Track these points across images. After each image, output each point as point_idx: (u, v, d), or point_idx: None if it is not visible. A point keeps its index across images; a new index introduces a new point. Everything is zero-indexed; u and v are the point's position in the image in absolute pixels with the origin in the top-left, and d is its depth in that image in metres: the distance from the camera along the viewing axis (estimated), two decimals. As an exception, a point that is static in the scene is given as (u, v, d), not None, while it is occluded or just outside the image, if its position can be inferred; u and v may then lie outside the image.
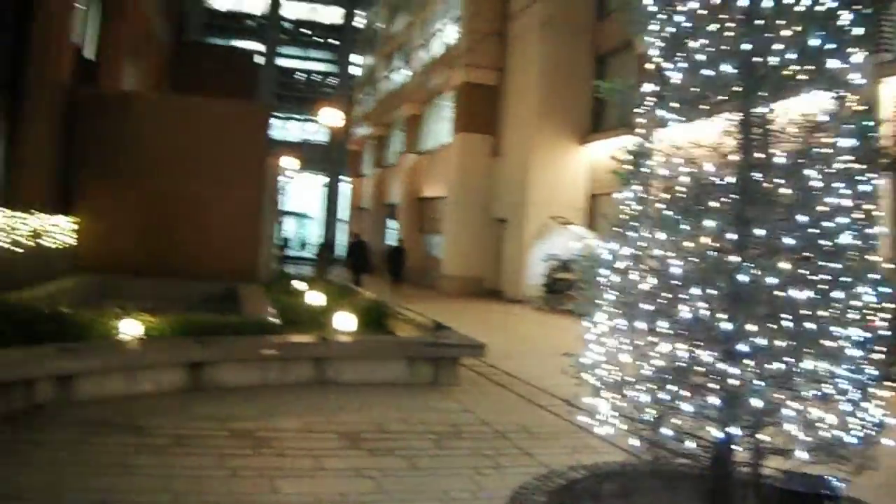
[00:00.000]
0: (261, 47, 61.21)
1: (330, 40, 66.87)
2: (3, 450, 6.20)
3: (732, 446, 4.72)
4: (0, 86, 14.81)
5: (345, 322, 10.81)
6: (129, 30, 22.94)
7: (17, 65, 15.29)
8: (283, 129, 60.61)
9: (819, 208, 4.59)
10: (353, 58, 61.97)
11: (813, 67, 4.72)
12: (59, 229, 15.66)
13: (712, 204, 4.77)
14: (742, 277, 4.57)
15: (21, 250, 13.20)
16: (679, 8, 5.01)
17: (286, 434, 7.26)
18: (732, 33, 4.83)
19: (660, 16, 5.10)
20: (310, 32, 67.19)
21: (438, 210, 32.08)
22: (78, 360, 7.88)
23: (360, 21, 60.05)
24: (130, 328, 9.15)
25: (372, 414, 8.28)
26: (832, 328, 4.54)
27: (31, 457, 6.09)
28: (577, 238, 21.40)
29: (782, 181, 4.68)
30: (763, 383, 4.48)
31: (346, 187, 56.60)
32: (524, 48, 27.47)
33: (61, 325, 8.82)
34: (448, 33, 32.88)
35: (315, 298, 13.42)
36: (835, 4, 4.73)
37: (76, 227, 16.66)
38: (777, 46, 4.71)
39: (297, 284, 16.40)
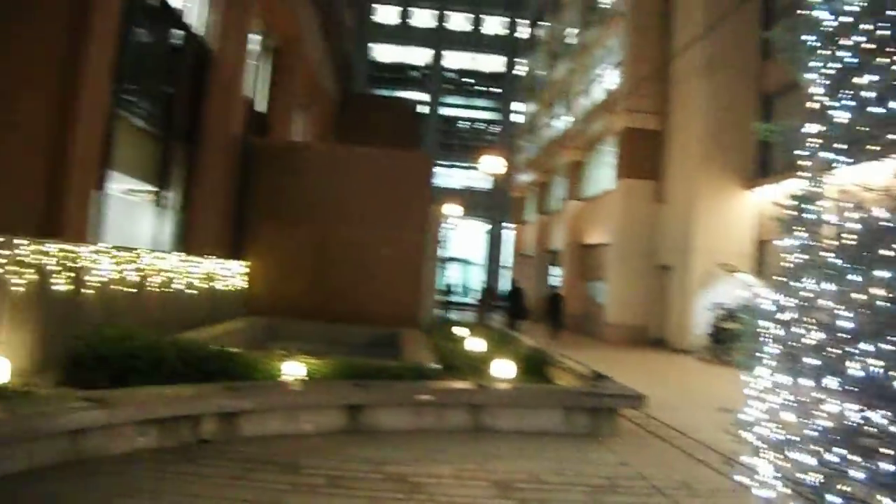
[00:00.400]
0: (424, 97, 62.82)
1: (492, 89, 67.75)
2: (174, 480, 6.45)
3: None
4: (179, 137, 15.80)
5: (503, 369, 10.74)
6: (297, 83, 24.02)
7: (194, 118, 16.29)
8: (447, 176, 61.58)
9: None
10: (514, 105, 62.67)
11: None
12: (231, 273, 16.42)
13: (884, 252, 4.44)
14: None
15: (195, 292, 13.91)
16: (843, 42, 4.74)
17: (440, 480, 7.23)
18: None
19: (822, 52, 4.84)
20: (472, 81, 68.25)
21: (601, 257, 31.69)
22: (243, 399, 8.15)
23: (520, 69, 60.59)
24: (294, 369, 9.41)
25: (527, 463, 8.13)
26: None
27: (198, 489, 6.31)
28: (744, 286, 20.57)
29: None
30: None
31: (509, 234, 56.93)
32: (687, 91, 26.95)
33: (229, 364, 9.17)
34: (609, 78, 32.71)
35: (475, 345, 13.44)
36: None
37: (247, 270, 17.44)
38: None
39: (458, 330, 16.48)
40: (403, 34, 66.82)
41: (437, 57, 66.45)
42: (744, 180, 24.94)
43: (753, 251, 24.50)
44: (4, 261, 7.84)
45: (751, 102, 25.18)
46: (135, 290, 11.09)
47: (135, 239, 13.83)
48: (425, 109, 59.30)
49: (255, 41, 19.93)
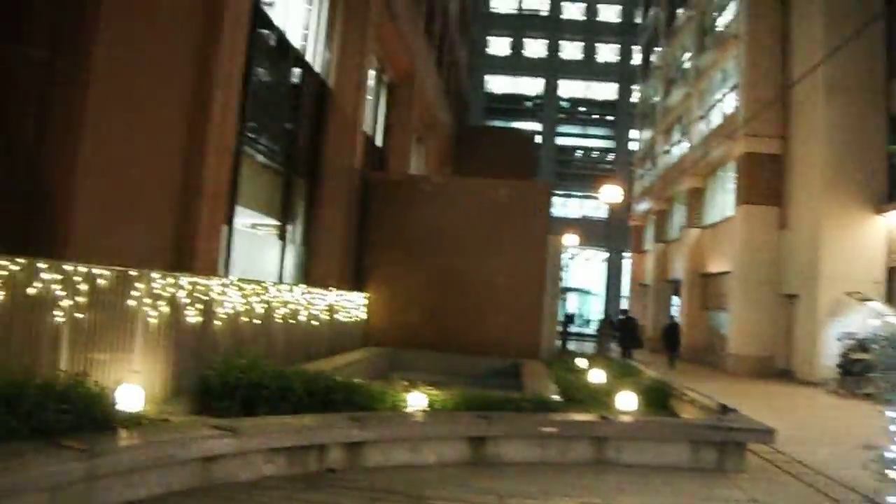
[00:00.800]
0: (539, 127, 62.83)
1: (606, 116, 67.29)
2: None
3: None
4: (300, 172, 16.24)
5: (626, 401, 10.53)
6: (413, 117, 24.39)
7: (314, 153, 16.72)
8: (563, 206, 61.31)
9: None
10: (630, 133, 62.01)
11: None
12: (352, 304, 16.68)
13: None
14: None
15: (318, 324, 14.17)
16: None
17: (565, 513, 7.11)
18: None
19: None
20: (586, 110, 67.98)
21: (723, 286, 30.84)
22: (367, 429, 8.21)
23: (635, 96, 59.98)
24: (416, 401, 9.45)
25: (652, 499, 7.91)
26: None
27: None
28: (876, 315, 19.65)
29: None
30: None
31: (627, 263, 56.19)
32: (809, 114, 26.07)
33: (353, 395, 9.27)
34: (727, 103, 32.00)
35: (596, 376, 13.23)
36: None
37: (367, 302, 17.68)
38: None
39: (579, 361, 16.27)
40: (517, 65, 67.21)
41: (551, 86, 66.47)
42: (873, 204, 23.91)
43: (885, 278, 23.40)
44: (140, 294, 8.15)
45: (879, 123, 24.21)
46: (261, 322, 11.36)
47: (260, 272, 14.23)
48: (540, 139, 59.26)
49: (371, 77, 20.34)
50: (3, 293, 6.40)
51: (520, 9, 68.49)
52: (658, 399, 11.52)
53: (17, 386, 5.88)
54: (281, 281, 14.86)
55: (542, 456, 9.15)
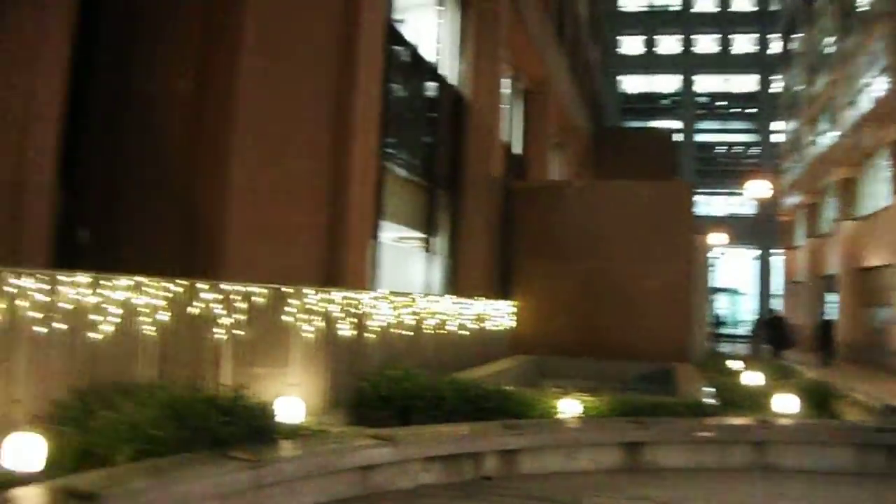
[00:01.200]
0: (677, 125, 61.35)
1: (747, 109, 65.01)
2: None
3: None
4: (441, 184, 16.42)
5: (785, 403, 10.11)
6: (549, 123, 24.34)
7: (454, 165, 16.88)
8: (707, 204, 59.57)
9: None
10: (773, 125, 59.71)
11: None
12: (499, 313, 16.72)
13: None
14: None
15: (467, 333, 14.27)
16: None
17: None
18: None
19: None
20: (725, 104, 65.91)
21: (884, 280, 29.16)
22: (521, 437, 8.17)
23: (776, 86, 57.78)
24: (569, 407, 9.36)
25: (817, 504, 7.55)
26: None
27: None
28: None
29: None
30: None
31: (778, 260, 54.10)
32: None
33: (505, 402, 9.27)
34: (876, 87, 30.34)
35: (752, 378, 12.78)
36: None
37: (514, 310, 17.68)
38: None
39: (732, 363, 15.77)
40: (651, 63, 65.90)
41: (687, 82, 64.86)
42: None
43: None
44: (294, 309, 8.41)
45: None
46: (411, 333, 11.53)
47: (407, 284, 14.47)
48: (679, 137, 57.85)
49: (506, 85, 20.38)
50: (168, 313, 6.74)
51: (650, 5, 67.18)
52: (819, 401, 11.02)
53: (185, 399, 6.15)
54: (428, 292, 15.04)
55: (699, 461, 8.88)
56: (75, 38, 7.05)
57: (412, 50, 15.23)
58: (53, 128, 6.80)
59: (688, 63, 64.94)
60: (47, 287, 5.73)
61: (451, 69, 17.44)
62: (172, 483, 5.11)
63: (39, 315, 5.66)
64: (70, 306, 5.91)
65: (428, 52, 16.20)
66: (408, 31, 15.00)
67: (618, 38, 64.51)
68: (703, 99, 65.67)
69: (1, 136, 6.49)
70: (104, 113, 8.81)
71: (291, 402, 7.45)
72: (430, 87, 16.53)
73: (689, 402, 10.35)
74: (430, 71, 16.34)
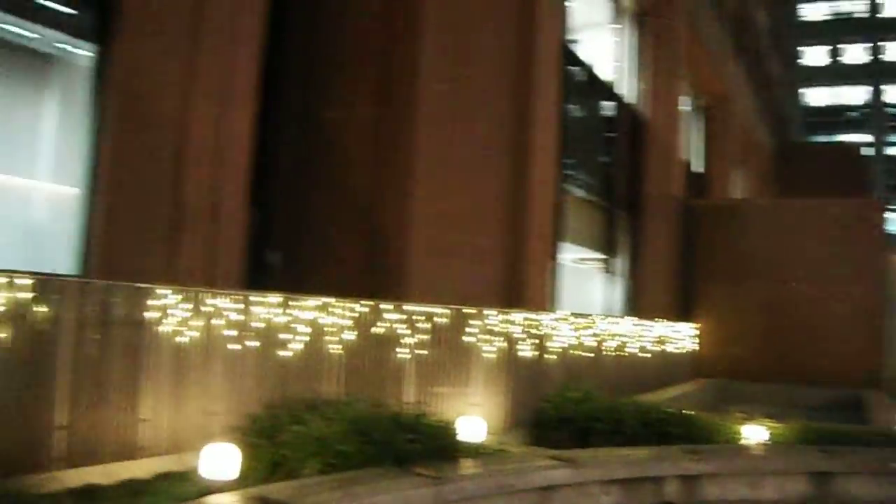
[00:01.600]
0: (867, 138, 57.85)
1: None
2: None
3: None
4: (620, 205, 16.26)
5: None
6: (730, 140, 23.66)
7: (634, 185, 16.68)
8: (900, 221, 55.67)
9: None
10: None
11: None
12: (681, 335, 16.32)
13: None
14: None
15: (648, 355, 14.02)
16: None
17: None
18: None
19: None
20: (920, 115, 61.52)
21: None
22: (703, 462, 7.94)
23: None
24: (754, 433, 9.02)
25: None
26: None
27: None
28: None
29: None
30: None
31: None
32: None
33: (687, 427, 9.05)
34: None
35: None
36: None
37: (696, 332, 17.22)
38: None
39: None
40: (836, 74, 62.51)
41: (877, 93, 61.04)
42: None
43: None
44: (476, 330, 8.55)
45: None
46: (591, 355, 11.46)
47: (587, 305, 14.40)
48: (869, 151, 54.43)
49: (685, 102, 19.98)
50: (353, 333, 7.02)
51: (835, 13, 63.76)
52: None
53: (369, 416, 6.36)
54: (608, 313, 14.90)
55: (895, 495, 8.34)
56: (263, 69, 7.43)
57: (588, 70, 15.20)
58: (245, 155, 7.19)
59: (876, 72, 61.10)
60: (241, 306, 6.11)
61: (628, 88, 17.28)
62: (359, 496, 5.28)
63: (234, 333, 6.04)
64: (262, 325, 6.26)
65: (604, 72, 16.12)
66: (583, 51, 14.99)
67: (800, 49, 61.51)
68: (895, 110, 61.61)
69: (197, 164, 6.91)
70: (291, 140, 9.31)
71: (473, 421, 7.55)
72: (607, 107, 16.45)
73: (882, 430, 9.81)
74: (607, 90, 16.26)
